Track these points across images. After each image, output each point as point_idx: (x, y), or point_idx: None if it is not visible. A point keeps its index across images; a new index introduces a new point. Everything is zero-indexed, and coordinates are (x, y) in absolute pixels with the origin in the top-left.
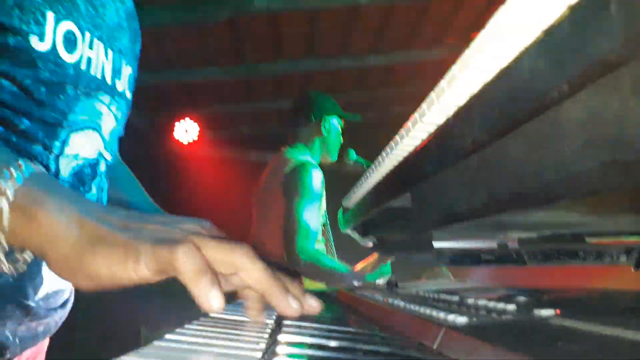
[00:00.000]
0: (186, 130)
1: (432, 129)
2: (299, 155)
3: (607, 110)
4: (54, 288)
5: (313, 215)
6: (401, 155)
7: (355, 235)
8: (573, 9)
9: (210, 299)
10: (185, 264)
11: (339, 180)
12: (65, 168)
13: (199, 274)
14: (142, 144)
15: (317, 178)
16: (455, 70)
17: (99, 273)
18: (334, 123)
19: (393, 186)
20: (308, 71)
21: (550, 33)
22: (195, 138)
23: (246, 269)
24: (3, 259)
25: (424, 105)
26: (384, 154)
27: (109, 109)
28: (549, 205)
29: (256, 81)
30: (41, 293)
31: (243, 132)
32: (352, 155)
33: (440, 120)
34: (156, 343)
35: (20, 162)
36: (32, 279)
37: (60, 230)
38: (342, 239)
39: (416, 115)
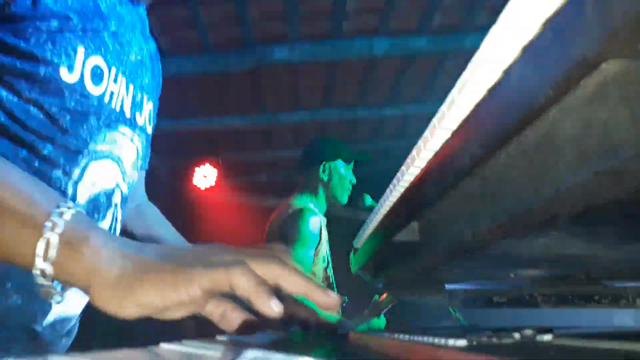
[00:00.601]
0: (205, 176)
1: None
2: (303, 202)
3: (597, 120)
4: (62, 315)
5: (307, 260)
6: (405, 186)
7: (365, 277)
8: (548, 21)
9: (272, 306)
10: (245, 282)
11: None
12: (83, 195)
13: (257, 288)
14: (161, 188)
15: (313, 224)
16: (454, 93)
17: (149, 298)
18: (339, 167)
19: (398, 218)
20: (326, 120)
21: (530, 47)
22: (213, 184)
23: (286, 277)
24: (55, 287)
25: (426, 133)
26: (390, 187)
27: (130, 141)
28: (551, 225)
29: (275, 129)
30: (49, 318)
31: (261, 180)
32: (368, 200)
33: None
34: None
35: (69, 202)
36: (41, 303)
37: (104, 262)
38: (355, 283)
39: (420, 143)
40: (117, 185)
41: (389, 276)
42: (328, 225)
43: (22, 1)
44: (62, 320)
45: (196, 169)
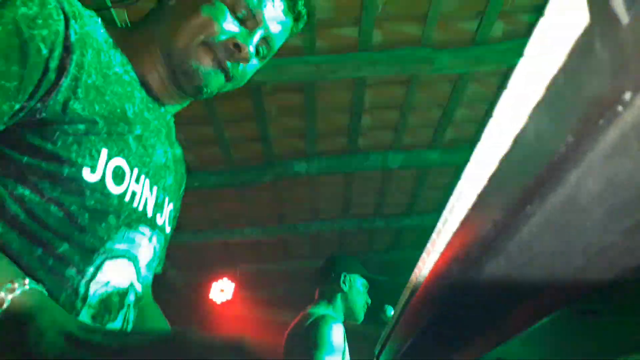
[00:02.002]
0: (222, 290)
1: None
2: (323, 310)
3: (621, 172)
4: None
5: None
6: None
7: None
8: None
9: None
10: None
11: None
12: (94, 293)
13: None
14: (177, 301)
15: (337, 332)
16: (462, 186)
17: None
18: (357, 282)
19: (415, 318)
20: (343, 231)
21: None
22: (230, 297)
23: None
24: None
25: (433, 235)
26: (406, 290)
27: (149, 241)
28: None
29: (294, 240)
30: None
31: (278, 292)
32: (390, 311)
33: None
34: None
35: (27, 279)
36: None
37: (44, 344)
38: None
39: (428, 245)
40: (132, 284)
41: None
42: (348, 339)
43: (52, 107)
44: None
45: (213, 283)
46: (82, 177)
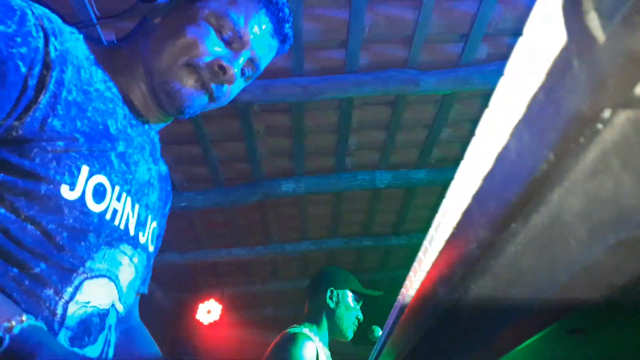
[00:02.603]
0: (209, 311)
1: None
2: (300, 328)
3: (603, 190)
4: None
5: None
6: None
7: None
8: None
9: None
10: None
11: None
12: (73, 315)
13: None
14: (163, 322)
15: (308, 350)
16: (447, 204)
17: None
18: (346, 297)
19: (402, 338)
20: (332, 250)
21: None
22: (217, 318)
23: None
24: None
25: (420, 254)
26: (393, 310)
27: (130, 260)
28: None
29: (282, 260)
30: None
31: (266, 313)
32: (378, 332)
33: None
34: None
35: (24, 315)
36: None
37: None
38: None
39: (415, 264)
40: (113, 304)
41: None
42: None
43: (30, 125)
44: None
45: (200, 304)
46: (60, 195)
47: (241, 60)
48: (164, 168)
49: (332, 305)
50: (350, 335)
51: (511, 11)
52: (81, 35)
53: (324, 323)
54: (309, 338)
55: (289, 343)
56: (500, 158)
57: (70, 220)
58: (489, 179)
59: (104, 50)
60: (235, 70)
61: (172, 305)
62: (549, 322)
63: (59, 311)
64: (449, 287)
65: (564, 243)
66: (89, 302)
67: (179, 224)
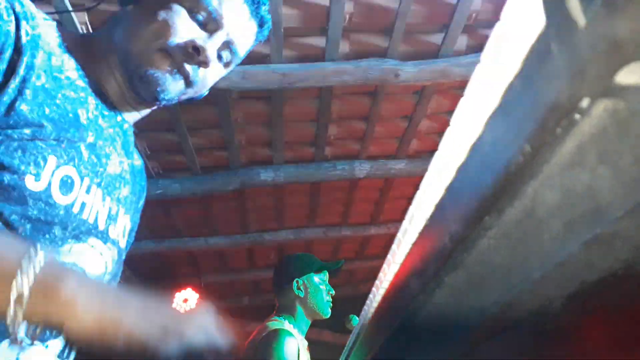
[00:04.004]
0: (185, 300)
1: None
2: (279, 323)
3: (579, 184)
4: None
5: None
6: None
7: None
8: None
9: None
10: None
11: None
12: None
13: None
14: None
15: (290, 346)
16: (421, 196)
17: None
18: (313, 281)
19: (377, 329)
20: (310, 239)
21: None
22: (193, 307)
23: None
24: (23, 332)
25: (394, 246)
26: (367, 303)
27: (99, 254)
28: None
29: (260, 250)
30: None
31: (243, 302)
32: (355, 320)
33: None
34: None
35: (39, 249)
36: None
37: (82, 303)
38: None
39: (389, 256)
40: None
41: None
42: (314, 351)
43: None
44: None
45: (177, 293)
46: (24, 186)
47: (216, 42)
48: (138, 162)
49: (302, 294)
50: (327, 312)
51: (491, 3)
52: (55, 22)
53: (299, 311)
54: (290, 334)
55: (271, 340)
56: (474, 149)
57: (35, 212)
58: (462, 170)
59: (78, 39)
60: (210, 50)
61: (148, 294)
62: (520, 320)
63: None
64: (422, 280)
65: (538, 238)
66: None
67: (155, 212)
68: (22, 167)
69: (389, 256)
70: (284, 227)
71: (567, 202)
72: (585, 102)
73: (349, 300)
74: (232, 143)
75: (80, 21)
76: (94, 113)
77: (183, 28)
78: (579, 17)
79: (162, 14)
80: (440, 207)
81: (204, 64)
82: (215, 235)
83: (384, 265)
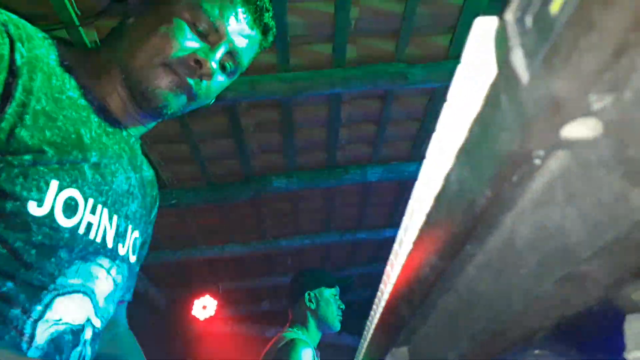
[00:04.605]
0: (204, 307)
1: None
2: (295, 334)
3: (550, 222)
4: None
5: None
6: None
7: None
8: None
9: None
10: None
11: None
12: (43, 334)
13: None
14: (159, 319)
15: (306, 356)
16: (413, 205)
17: None
18: (324, 294)
19: (382, 341)
20: (326, 244)
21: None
22: (213, 314)
23: None
24: None
25: (391, 257)
26: (373, 308)
27: (108, 273)
28: (532, 341)
29: (276, 256)
30: None
31: (262, 308)
32: None
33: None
34: None
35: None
36: None
37: None
38: None
39: (387, 268)
40: (88, 320)
41: None
42: (325, 355)
43: None
44: None
45: (195, 301)
46: (27, 212)
47: (219, 53)
48: (148, 173)
49: (313, 306)
50: (337, 326)
51: (499, 1)
52: (54, 41)
53: (312, 323)
54: (307, 344)
55: (288, 349)
56: (447, 181)
57: (39, 237)
58: (439, 199)
59: (80, 55)
60: (212, 63)
61: (167, 303)
62: (506, 348)
63: (27, 330)
64: (411, 305)
65: (517, 271)
66: (60, 320)
67: (171, 222)
68: (24, 194)
69: (387, 267)
70: (300, 233)
71: (541, 238)
72: (536, 154)
73: (363, 304)
74: (244, 152)
75: (90, 40)
76: (97, 131)
77: (184, 41)
78: (523, 73)
79: (162, 29)
80: (424, 231)
81: (207, 76)
82: (232, 242)
83: (384, 277)
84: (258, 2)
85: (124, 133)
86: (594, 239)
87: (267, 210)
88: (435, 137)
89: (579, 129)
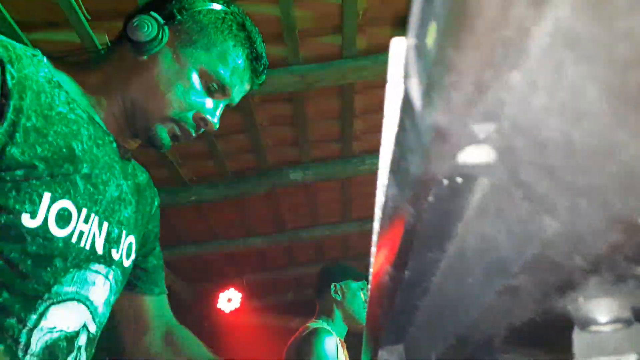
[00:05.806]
0: (229, 300)
1: None
2: (319, 323)
3: (488, 235)
4: None
5: None
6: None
7: None
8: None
9: None
10: None
11: None
12: (37, 342)
13: None
14: (185, 313)
15: (329, 344)
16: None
17: None
18: (350, 287)
19: (370, 339)
20: (346, 234)
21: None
22: (238, 306)
23: None
24: None
25: (371, 258)
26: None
27: (106, 279)
28: (493, 346)
29: (297, 247)
30: None
31: (287, 298)
32: None
33: None
34: None
35: None
36: None
37: None
38: None
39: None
40: (85, 326)
41: None
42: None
43: None
44: None
45: (220, 294)
46: (21, 224)
47: (220, 110)
48: (142, 177)
49: (339, 298)
50: (364, 319)
51: None
52: (44, 57)
53: (337, 316)
54: (329, 333)
55: (312, 337)
56: (385, 195)
57: (34, 248)
58: (383, 209)
59: (71, 70)
60: (215, 120)
61: (193, 296)
62: (471, 353)
63: (23, 339)
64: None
65: (469, 279)
66: (54, 328)
67: (192, 217)
68: (17, 207)
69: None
70: (319, 224)
71: (482, 249)
72: (443, 180)
73: None
74: (259, 146)
75: (102, 42)
76: (88, 144)
77: (195, 99)
78: (417, 100)
79: (180, 87)
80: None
81: (210, 130)
82: (253, 235)
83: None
84: (264, 61)
85: (114, 145)
86: (520, 254)
87: (285, 202)
88: (381, 149)
89: (473, 156)
